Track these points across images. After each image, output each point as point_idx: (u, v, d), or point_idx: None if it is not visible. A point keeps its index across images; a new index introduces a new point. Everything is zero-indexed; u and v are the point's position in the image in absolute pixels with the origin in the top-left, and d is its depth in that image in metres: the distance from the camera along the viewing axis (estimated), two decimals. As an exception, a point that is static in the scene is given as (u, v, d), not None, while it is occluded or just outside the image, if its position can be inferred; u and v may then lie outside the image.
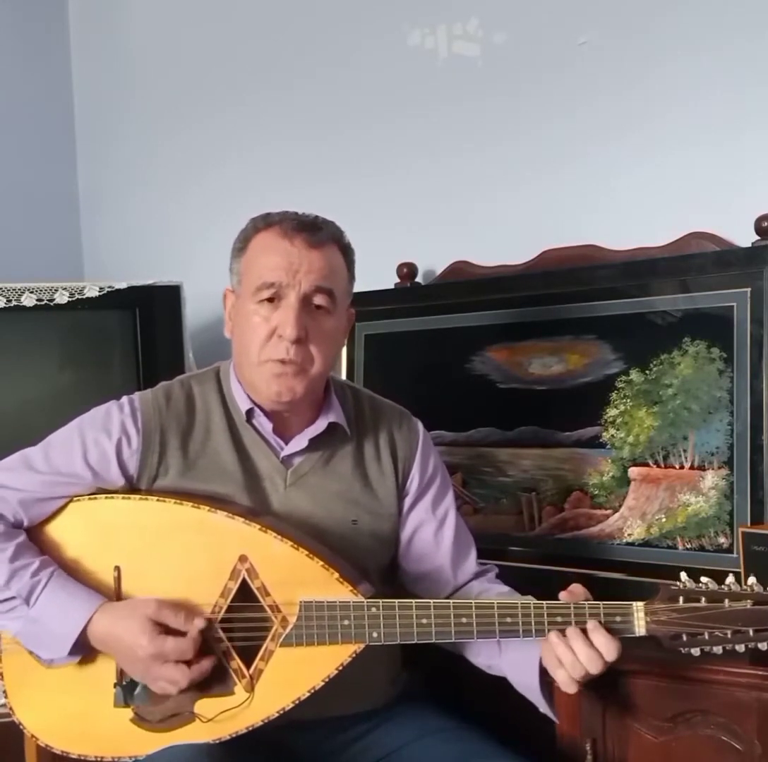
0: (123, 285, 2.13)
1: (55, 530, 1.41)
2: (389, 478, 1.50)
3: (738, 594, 1.26)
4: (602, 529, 1.77)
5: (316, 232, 1.41)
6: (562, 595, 1.33)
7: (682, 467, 1.69)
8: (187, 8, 2.54)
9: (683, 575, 1.29)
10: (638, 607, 1.28)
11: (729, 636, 1.25)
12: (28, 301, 2.07)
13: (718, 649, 1.27)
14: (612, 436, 1.77)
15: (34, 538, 1.40)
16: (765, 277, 1.62)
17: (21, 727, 1.40)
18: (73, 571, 1.38)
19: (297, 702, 1.31)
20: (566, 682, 1.30)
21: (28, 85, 2.64)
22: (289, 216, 1.43)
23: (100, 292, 2.11)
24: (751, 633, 1.25)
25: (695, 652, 1.27)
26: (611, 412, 1.77)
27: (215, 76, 2.48)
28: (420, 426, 1.57)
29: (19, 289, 2.07)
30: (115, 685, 1.36)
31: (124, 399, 1.45)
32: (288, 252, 1.38)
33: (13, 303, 2.05)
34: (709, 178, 1.80)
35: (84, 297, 2.10)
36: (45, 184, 2.67)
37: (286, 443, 1.46)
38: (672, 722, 1.42)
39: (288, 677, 1.32)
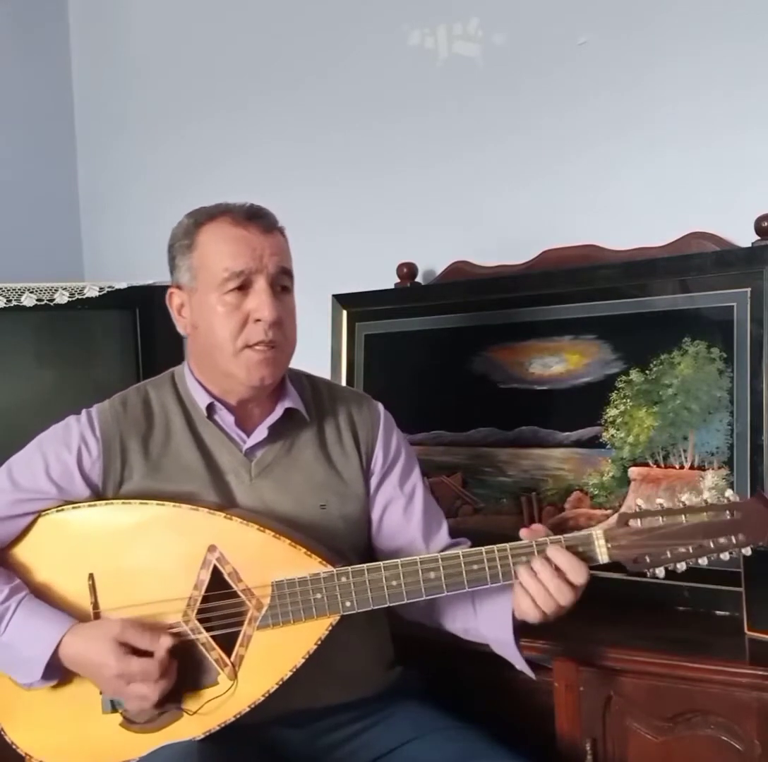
0: (123, 285, 2.13)
1: (26, 548, 1.42)
2: (353, 459, 1.51)
3: (694, 508, 1.27)
4: (602, 529, 1.76)
5: (264, 217, 1.44)
6: (523, 533, 1.34)
7: (682, 467, 1.69)
8: (186, 9, 2.54)
9: (639, 500, 1.31)
10: (598, 534, 1.29)
11: (690, 551, 1.27)
12: (28, 301, 2.07)
13: (681, 566, 1.28)
14: (612, 436, 1.77)
15: (5, 559, 1.41)
16: (765, 277, 1.62)
17: (14, 747, 1.40)
18: (47, 586, 1.39)
19: (281, 683, 1.32)
20: (529, 610, 1.30)
21: (28, 85, 2.64)
22: (232, 207, 1.44)
23: (100, 292, 2.11)
24: (711, 545, 1.26)
25: (660, 572, 1.28)
26: (611, 412, 1.77)
27: (215, 76, 2.48)
28: (380, 407, 1.58)
29: (19, 289, 2.07)
30: (101, 692, 1.37)
31: (82, 411, 1.47)
32: (247, 239, 1.40)
33: (13, 303, 2.06)
34: (709, 178, 1.80)
35: (84, 297, 2.10)
36: (45, 184, 2.67)
37: (248, 436, 1.47)
38: (672, 722, 1.42)
39: (269, 659, 1.33)
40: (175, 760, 1.31)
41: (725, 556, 1.27)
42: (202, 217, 1.44)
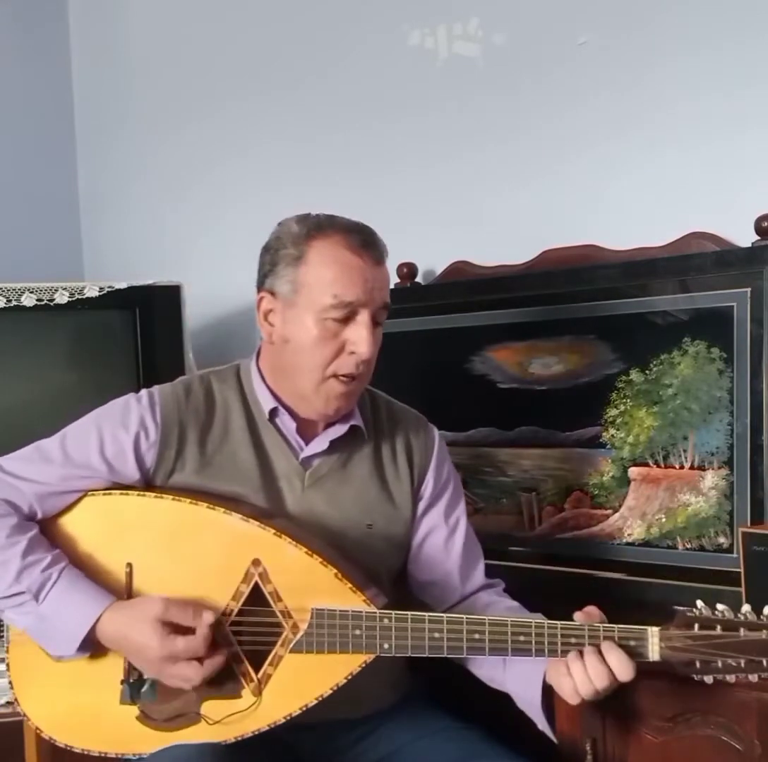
0: (123, 285, 2.13)
1: (69, 524, 1.41)
2: (405, 482, 1.50)
3: (754, 624, 1.25)
4: (602, 529, 1.77)
5: (377, 246, 1.41)
6: (578, 616, 1.31)
7: (682, 467, 1.69)
8: (186, 8, 2.54)
9: (699, 602, 1.28)
10: (653, 632, 1.27)
11: (742, 665, 1.24)
12: (28, 301, 2.06)
13: (731, 678, 1.26)
14: (612, 436, 1.76)
15: (48, 531, 1.40)
16: (765, 277, 1.62)
17: (26, 718, 1.40)
18: (84, 566, 1.38)
19: (304, 709, 1.31)
20: (571, 694, 1.29)
21: (28, 85, 2.64)
22: (346, 225, 1.40)
23: (100, 292, 2.10)
24: (764, 663, 1.24)
25: (708, 679, 1.27)
26: (611, 412, 1.77)
27: (215, 76, 2.48)
28: (436, 432, 1.57)
29: (19, 289, 2.07)
30: (122, 682, 1.36)
31: (143, 392, 1.44)
32: (362, 270, 1.37)
33: (13, 303, 2.05)
34: (709, 178, 1.80)
35: (84, 297, 2.10)
36: (45, 184, 2.67)
37: (307, 444, 1.46)
38: (672, 722, 1.42)
39: (296, 683, 1.32)
40: (187, 759, 1.31)
41: None
42: (313, 229, 1.39)
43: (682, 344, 1.71)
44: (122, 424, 1.40)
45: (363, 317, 1.37)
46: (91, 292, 2.10)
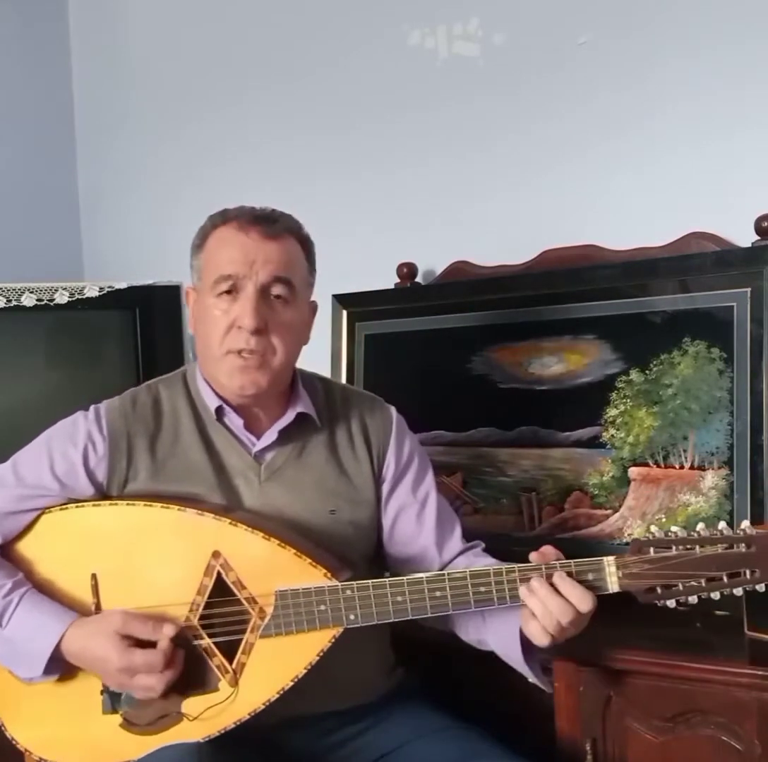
0: (123, 285, 2.13)
1: (29, 544, 1.42)
2: (364, 464, 1.50)
3: (709, 539, 1.25)
4: (602, 529, 1.77)
5: (271, 223, 1.42)
6: (533, 557, 1.32)
7: (682, 467, 1.69)
8: (186, 8, 2.54)
9: (653, 527, 1.28)
10: (609, 561, 1.27)
11: (703, 584, 1.24)
12: (28, 301, 2.06)
13: (693, 599, 1.26)
14: (612, 436, 1.77)
15: (8, 554, 1.41)
16: (765, 277, 1.62)
17: (14, 742, 1.40)
18: (49, 584, 1.39)
19: (282, 692, 1.32)
20: (538, 634, 1.28)
21: (28, 85, 2.64)
22: (246, 210, 1.44)
23: (100, 292, 2.11)
24: (725, 579, 1.24)
25: (671, 604, 1.26)
26: (611, 412, 1.77)
27: (215, 76, 2.48)
28: (393, 411, 1.56)
29: (19, 289, 2.07)
30: (101, 693, 1.37)
31: (91, 408, 1.46)
32: (244, 244, 1.39)
33: (13, 303, 2.05)
34: (709, 178, 1.80)
35: (84, 297, 2.10)
36: (45, 184, 2.67)
37: (258, 439, 1.46)
38: (672, 722, 1.42)
39: (271, 668, 1.32)
40: (177, 760, 1.31)
41: (739, 591, 1.25)
42: (217, 219, 1.45)
43: (682, 344, 1.71)
44: (71, 441, 1.42)
45: (246, 291, 1.38)
46: (91, 292, 2.10)
